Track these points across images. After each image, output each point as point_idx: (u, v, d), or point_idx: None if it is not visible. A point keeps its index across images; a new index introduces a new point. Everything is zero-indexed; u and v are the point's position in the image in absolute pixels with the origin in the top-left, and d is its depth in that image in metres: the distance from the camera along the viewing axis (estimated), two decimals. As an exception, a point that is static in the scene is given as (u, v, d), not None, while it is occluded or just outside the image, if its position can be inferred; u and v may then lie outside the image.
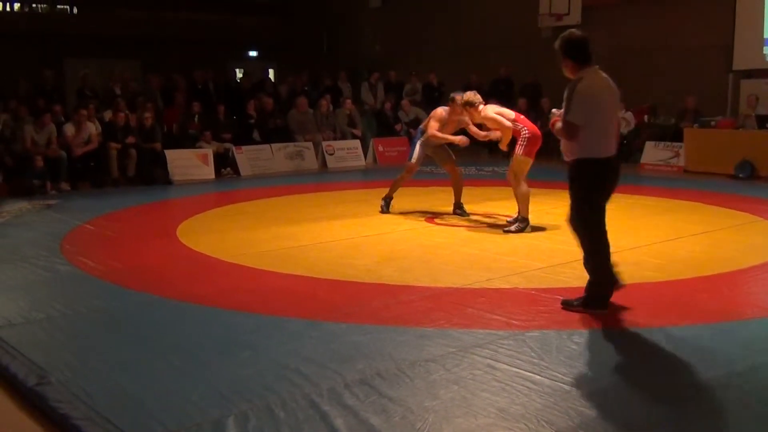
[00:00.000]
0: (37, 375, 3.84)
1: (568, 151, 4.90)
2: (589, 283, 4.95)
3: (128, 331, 4.71)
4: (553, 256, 6.47)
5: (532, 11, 16.11)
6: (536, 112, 15.16)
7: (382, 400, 3.55)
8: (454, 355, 4.12)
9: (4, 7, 19.37)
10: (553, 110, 5.17)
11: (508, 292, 5.42)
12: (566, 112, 4.78)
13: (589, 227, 4.90)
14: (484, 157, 15.07)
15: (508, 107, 8.29)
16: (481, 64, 16.82)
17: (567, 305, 4.99)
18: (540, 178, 11.76)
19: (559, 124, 4.93)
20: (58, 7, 20.26)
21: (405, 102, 15.91)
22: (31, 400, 3.65)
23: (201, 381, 3.79)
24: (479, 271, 5.96)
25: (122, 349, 4.35)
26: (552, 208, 9.03)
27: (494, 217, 8.40)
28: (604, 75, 4.91)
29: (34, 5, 19.96)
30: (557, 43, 4.95)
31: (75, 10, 20.17)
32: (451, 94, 8.36)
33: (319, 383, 3.73)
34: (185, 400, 3.56)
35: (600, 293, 4.92)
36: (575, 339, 4.35)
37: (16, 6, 19.57)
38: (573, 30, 5.01)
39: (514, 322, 4.67)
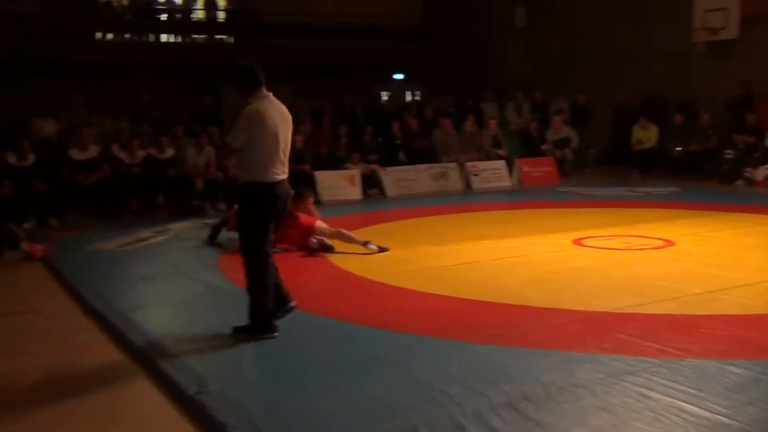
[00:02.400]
0: (196, 384, 4.05)
1: (238, 174, 5.03)
2: (251, 308, 4.95)
3: (278, 344, 4.87)
4: (710, 281, 6.14)
5: (686, 25, 15.46)
6: (693, 129, 14.53)
7: (529, 423, 3.49)
8: (603, 381, 3.98)
9: (168, 38, 20.76)
10: None
11: (662, 318, 5.19)
12: (228, 133, 4.87)
13: (251, 253, 4.96)
14: (634, 178, 14.58)
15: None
16: (630, 82, 16.31)
17: (236, 331, 4.97)
18: (697, 200, 11.25)
19: None
20: (216, 37, 21.48)
21: (557, 119, 15.62)
22: (191, 408, 3.85)
23: (347, 396, 3.87)
24: (630, 296, 5.74)
25: (274, 362, 4.51)
26: (709, 231, 8.61)
27: (647, 239, 8.08)
28: (277, 101, 4.98)
29: (194, 36, 21.26)
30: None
31: (232, 40, 21.31)
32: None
33: (464, 404, 3.71)
34: (332, 414, 3.64)
35: (264, 319, 4.94)
36: (735, 369, 4.09)
37: (179, 37, 20.92)
38: (240, 59, 5.15)
39: (668, 349, 4.46)
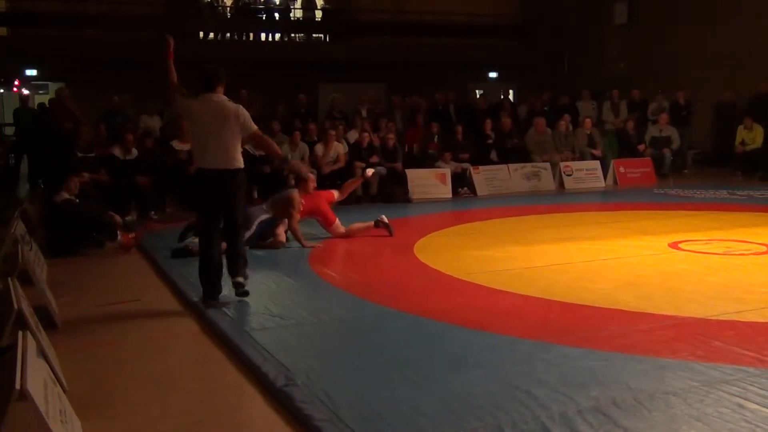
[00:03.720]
0: (285, 376, 4.14)
1: None
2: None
3: (366, 340, 4.93)
4: (816, 289, 5.86)
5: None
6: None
7: (617, 430, 3.42)
8: (697, 389, 3.86)
9: (267, 37, 21.22)
10: None
11: (762, 326, 4.99)
12: None
13: (198, 226, 6.10)
14: (736, 180, 14.02)
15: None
16: (736, 80, 15.67)
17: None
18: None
19: None
20: (313, 36, 21.83)
21: (663, 116, 15.17)
22: (279, 399, 3.94)
23: (433, 394, 3.88)
24: (728, 302, 5.54)
25: (360, 357, 4.56)
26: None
27: (748, 244, 7.77)
28: (216, 102, 5.79)
29: (292, 35, 21.67)
30: None
31: (328, 39, 21.62)
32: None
33: (551, 407, 3.67)
34: (418, 412, 3.66)
35: (204, 287, 5.86)
36: (841, 383, 3.90)
37: (277, 36, 21.36)
38: (209, 64, 6.04)
39: (767, 359, 4.29)
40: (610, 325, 5.06)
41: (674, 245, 7.84)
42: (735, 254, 7.38)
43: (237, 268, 5.91)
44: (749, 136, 14.47)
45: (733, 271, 6.63)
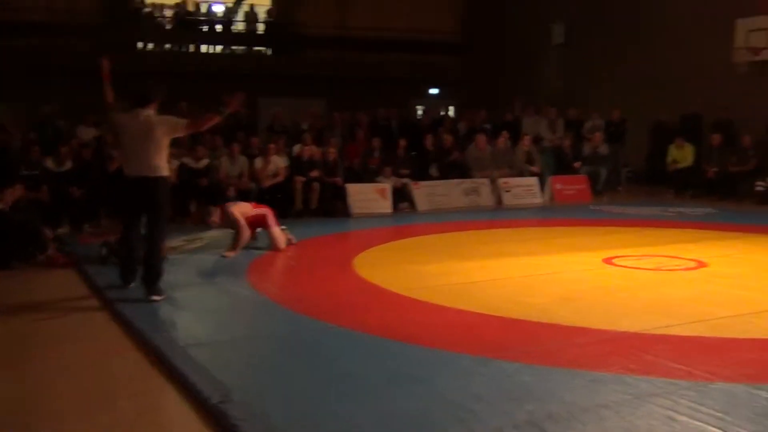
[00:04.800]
0: (220, 393, 4.07)
1: None
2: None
3: (304, 356, 4.88)
4: (741, 303, 6.05)
5: (727, 45, 15.27)
6: (733, 148, 14.33)
7: (551, 443, 3.46)
8: (629, 402, 3.94)
9: (208, 48, 21.05)
10: None
11: (691, 340, 5.12)
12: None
13: (121, 236, 6.69)
14: (669, 197, 14.42)
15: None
16: (668, 100, 16.15)
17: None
18: (732, 221, 11.09)
19: None
20: (254, 49, 21.73)
21: (597, 134, 15.53)
22: (214, 416, 3.86)
23: (371, 410, 3.86)
24: (659, 317, 5.67)
25: (298, 373, 4.52)
26: (742, 253, 8.50)
27: (678, 259, 7.98)
28: (146, 114, 6.28)
29: (233, 47, 21.53)
30: None
31: (269, 52, 21.55)
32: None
33: (487, 421, 3.69)
34: (356, 427, 3.64)
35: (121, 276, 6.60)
36: (765, 394, 4.01)
37: (218, 48, 21.20)
38: (150, 83, 6.56)
39: (696, 372, 4.40)
40: (546, 340, 5.12)
41: (608, 261, 8.01)
42: (666, 270, 7.58)
43: (150, 281, 6.31)
44: (680, 155, 14.90)
45: (665, 287, 6.80)
